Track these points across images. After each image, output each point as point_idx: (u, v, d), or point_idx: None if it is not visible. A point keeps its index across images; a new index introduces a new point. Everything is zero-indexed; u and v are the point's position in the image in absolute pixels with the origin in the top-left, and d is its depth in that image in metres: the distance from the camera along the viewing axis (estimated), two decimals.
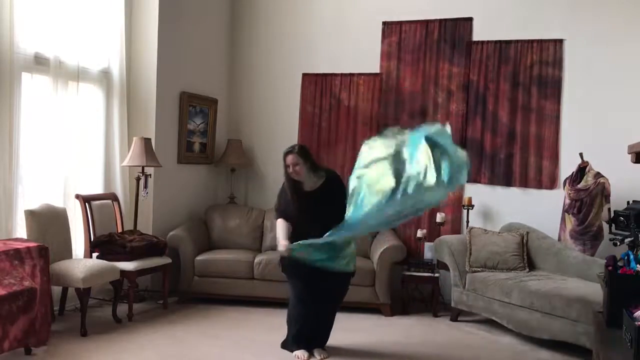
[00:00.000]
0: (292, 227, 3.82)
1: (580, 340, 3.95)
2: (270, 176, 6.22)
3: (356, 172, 3.55)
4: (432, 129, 3.43)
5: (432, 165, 3.22)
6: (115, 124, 5.14)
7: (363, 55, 5.88)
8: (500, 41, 5.46)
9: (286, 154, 3.84)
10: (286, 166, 3.83)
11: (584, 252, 4.70)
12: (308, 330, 3.94)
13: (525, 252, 4.88)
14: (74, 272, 4.09)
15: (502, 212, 5.43)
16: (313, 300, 3.87)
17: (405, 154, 3.38)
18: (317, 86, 6.03)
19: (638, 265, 2.64)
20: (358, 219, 3.48)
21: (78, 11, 4.75)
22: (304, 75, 6.10)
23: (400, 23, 5.78)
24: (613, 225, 3.14)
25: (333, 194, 3.82)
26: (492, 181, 5.48)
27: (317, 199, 3.83)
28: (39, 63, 4.45)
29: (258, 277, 5.10)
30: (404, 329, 4.70)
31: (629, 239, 2.86)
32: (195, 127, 5.85)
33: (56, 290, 4.37)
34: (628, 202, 3.27)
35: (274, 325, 4.46)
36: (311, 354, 3.92)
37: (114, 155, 5.15)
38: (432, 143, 3.29)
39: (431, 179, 3.20)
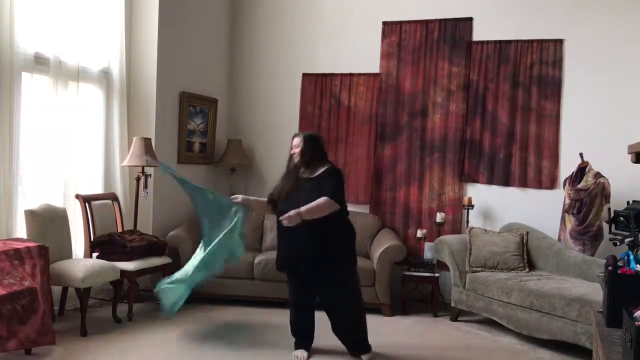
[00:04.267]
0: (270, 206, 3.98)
1: (580, 340, 3.95)
2: (270, 176, 6.21)
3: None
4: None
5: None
6: (115, 124, 5.14)
7: (363, 55, 5.88)
8: (500, 41, 5.46)
9: (295, 135, 3.97)
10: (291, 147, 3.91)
11: (584, 252, 4.70)
12: (301, 329, 3.96)
13: (525, 252, 4.88)
14: (74, 272, 4.09)
15: (502, 212, 5.43)
16: (303, 298, 3.91)
17: None
18: (317, 86, 6.04)
19: (638, 265, 2.64)
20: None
21: (78, 11, 4.75)
22: (304, 75, 6.10)
23: (400, 23, 5.78)
24: (613, 225, 3.14)
25: (321, 183, 3.71)
26: (492, 181, 5.48)
27: (307, 187, 3.73)
28: (39, 63, 4.45)
29: (258, 277, 5.10)
30: (404, 329, 4.70)
31: (629, 239, 2.86)
32: (195, 127, 5.85)
33: (56, 290, 4.37)
34: (628, 202, 3.27)
35: (274, 325, 4.46)
36: (310, 354, 3.92)
37: (114, 155, 5.15)
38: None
39: None
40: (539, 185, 5.34)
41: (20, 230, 4.24)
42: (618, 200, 4.29)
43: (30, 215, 4.18)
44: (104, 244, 4.59)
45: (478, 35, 5.54)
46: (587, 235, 4.72)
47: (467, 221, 5.40)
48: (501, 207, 5.45)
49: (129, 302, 4.55)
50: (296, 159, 3.84)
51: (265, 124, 6.28)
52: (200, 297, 5.16)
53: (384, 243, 5.11)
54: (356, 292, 3.91)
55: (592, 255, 4.68)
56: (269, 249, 5.51)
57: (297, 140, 3.87)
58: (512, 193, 5.44)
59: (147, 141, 4.99)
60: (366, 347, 3.93)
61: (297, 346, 3.95)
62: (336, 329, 3.93)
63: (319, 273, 3.74)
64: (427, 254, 5.33)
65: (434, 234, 5.45)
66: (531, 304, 4.25)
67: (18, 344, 3.40)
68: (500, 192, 5.47)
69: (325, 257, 3.70)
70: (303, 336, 3.97)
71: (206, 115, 6.00)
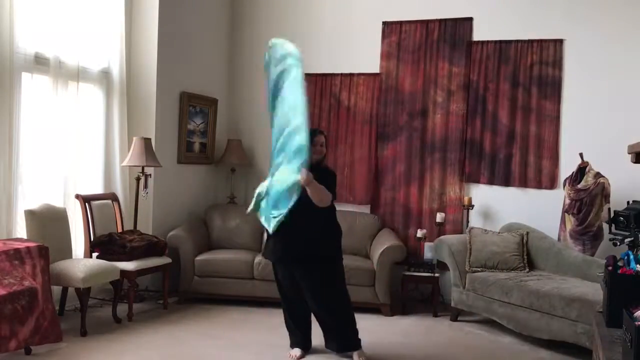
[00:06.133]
0: None
1: (580, 340, 3.95)
2: None
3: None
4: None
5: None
6: (115, 124, 5.14)
7: (363, 55, 5.88)
8: (500, 41, 5.46)
9: (320, 132, 3.96)
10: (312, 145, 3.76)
11: (584, 252, 4.70)
12: (295, 326, 3.96)
13: (525, 252, 4.88)
14: (74, 272, 4.09)
15: (502, 212, 5.43)
16: (292, 291, 3.90)
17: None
18: (317, 86, 6.03)
19: (638, 265, 2.64)
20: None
21: (78, 11, 4.75)
22: (304, 75, 6.08)
23: (400, 23, 5.78)
24: (613, 225, 3.14)
25: (324, 178, 3.74)
26: (492, 181, 5.48)
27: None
28: (39, 63, 4.45)
29: (258, 277, 5.10)
30: (404, 329, 4.70)
31: (629, 239, 2.86)
32: (195, 127, 5.85)
33: (56, 290, 4.36)
34: (628, 202, 3.27)
35: (274, 325, 4.46)
36: (306, 352, 3.92)
37: (114, 155, 5.15)
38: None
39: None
40: (539, 185, 5.34)
41: (20, 230, 4.24)
42: (618, 200, 4.29)
43: (30, 215, 4.18)
44: (104, 244, 4.59)
45: (478, 35, 5.54)
46: (587, 235, 4.72)
47: (467, 221, 5.40)
48: (501, 207, 5.45)
49: (129, 302, 4.55)
50: (319, 155, 3.86)
51: (265, 124, 6.19)
52: (200, 297, 5.17)
53: (384, 243, 5.11)
54: (344, 289, 3.92)
55: (592, 255, 4.68)
56: None
57: (323, 138, 3.92)
58: (512, 193, 5.44)
59: (147, 141, 4.99)
60: (356, 344, 3.90)
61: (293, 344, 3.96)
62: (325, 327, 3.91)
63: (313, 265, 3.74)
64: (427, 254, 5.33)
65: (434, 234, 5.45)
66: (531, 304, 4.25)
67: (17, 344, 3.41)
68: (501, 192, 5.46)
69: (328, 248, 3.79)
70: (298, 333, 3.96)
71: (206, 115, 6.00)
